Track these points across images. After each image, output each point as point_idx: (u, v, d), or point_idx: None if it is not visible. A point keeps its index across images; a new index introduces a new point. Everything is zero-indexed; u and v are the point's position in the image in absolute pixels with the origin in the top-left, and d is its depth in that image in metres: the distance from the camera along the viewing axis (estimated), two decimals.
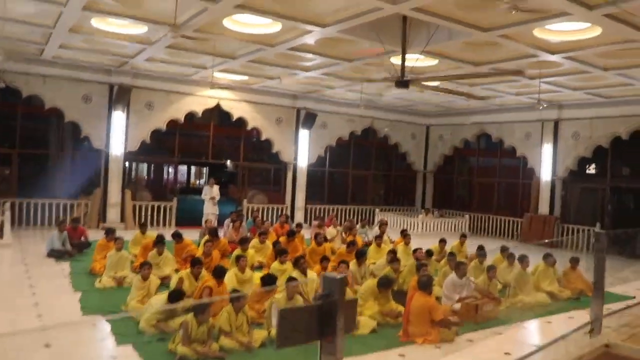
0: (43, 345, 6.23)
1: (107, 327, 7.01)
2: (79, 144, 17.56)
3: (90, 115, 15.84)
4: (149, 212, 17.03)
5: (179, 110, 17.16)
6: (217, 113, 18.56)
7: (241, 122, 18.57)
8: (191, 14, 9.77)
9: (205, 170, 37.47)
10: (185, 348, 5.98)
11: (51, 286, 9.05)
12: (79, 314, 7.59)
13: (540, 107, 15.32)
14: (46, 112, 15.77)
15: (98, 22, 11.12)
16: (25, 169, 17.19)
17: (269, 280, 7.59)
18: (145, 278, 7.82)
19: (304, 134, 19.48)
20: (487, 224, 20.36)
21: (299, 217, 19.44)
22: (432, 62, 12.74)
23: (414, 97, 18.17)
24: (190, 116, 17.62)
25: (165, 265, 9.84)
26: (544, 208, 18.31)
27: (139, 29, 11.39)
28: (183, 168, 38.06)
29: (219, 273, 7.55)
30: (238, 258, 8.77)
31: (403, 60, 10.55)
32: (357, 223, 16.80)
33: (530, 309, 9.23)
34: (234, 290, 6.79)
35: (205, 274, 8.24)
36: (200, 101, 17.47)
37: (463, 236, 13.39)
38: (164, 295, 7.11)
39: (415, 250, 10.80)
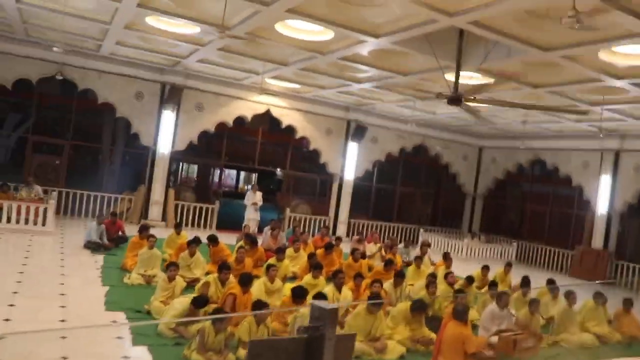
0: (59, 336, 6.13)
1: (126, 325, 6.88)
2: (128, 140, 17.81)
3: (141, 112, 16.03)
4: (191, 213, 17.04)
5: (229, 113, 17.15)
6: (267, 119, 18.48)
7: (290, 130, 18.42)
8: (243, 16, 9.67)
9: (254, 176, 37.74)
10: (199, 356, 5.74)
11: (81, 278, 9.02)
12: (102, 308, 7.48)
13: (602, 136, 14.55)
14: (99, 107, 16.03)
15: (152, 20, 11.18)
16: (76, 161, 17.55)
17: (299, 293, 7.28)
18: (171, 279, 7.64)
19: (353, 146, 19.18)
20: (535, 254, 19.45)
21: (341, 230, 19.12)
22: (488, 80, 12.24)
23: (468, 116, 17.57)
24: (239, 120, 17.57)
25: (196, 267, 9.68)
26: (597, 242, 17.33)
27: (192, 29, 11.38)
28: (232, 172, 38.45)
29: (245, 281, 7.27)
30: (269, 267, 8.50)
31: (457, 76, 10.13)
32: (400, 242, 16.36)
33: (574, 350, 8.61)
34: (258, 301, 6.49)
35: (233, 280, 8.01)
36: (250, 106, 17.42)
37: (508, 265, 12.70)
38: (187, 299, 6.90)
39: (446, 275, 10.19)
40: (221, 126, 17.31)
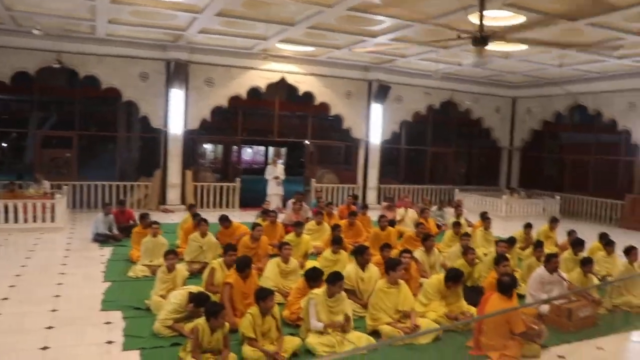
0: (40, 347, 5.38)
1: (121, 325, 6.09)
2: (138, 124, 17.07)
3: (147, 94, 15.18)
4: (212, 194, 16.28)
5: (241, 85, 16.16)
6: (284, 88, 17.45)
7: (309, 97, 17.35)
8: None
9: (283, 150, 36.88)
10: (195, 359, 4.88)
11: (82, 275, 8.26)
12: (98, 307, 6.69)
13: None
14: (104, 93, 15.22)
15: None
16: (88, 152, 16.94)
17: (313, 276, 6.32)
18: (170, 269, 6.79)
19: (376, 108, 18.02)
20: (581, 207, 18.08)
21: (371, 197, 18.14)
22: (518, 19, 10.89)
23: (498, 65, 16.24)
24: (254, 92, 16.58)
25: (209, 250, 8.80)
26: None
27: None
28: (261, 149, 37.63)
29: (242, 265, 6.30)
30: (282, 245, 7.55)
31: (481, 13, 8.89)
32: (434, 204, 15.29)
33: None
34: (261, 289, 5.55)
35: None
36: (263, 75, 16.38)
37: (554, 220, 11.54)
38: (184, 291, 6.02)
39: (498, 242, 8.92)
40: (235, 100, 16.35)
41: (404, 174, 19.97)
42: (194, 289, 6.12)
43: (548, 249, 11.01)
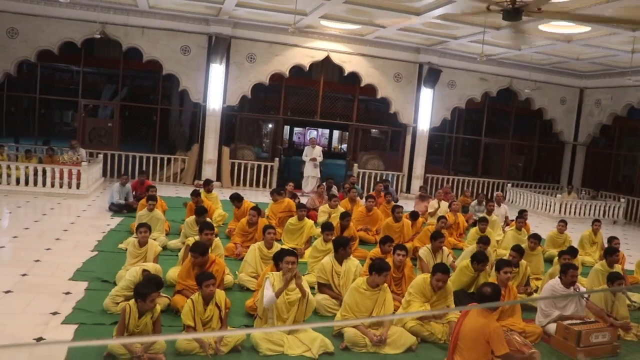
0: None
1: (80, 297, 5.84)
2: (179, 98, 17.01)
3: (188, 68, 15.04)
4: (249, 172, 16.02)
5: (283, 62, 15.71)
6: (329, 68, 16.84)
7: (354, 78, 16.68)
8: None
9: (347, 134, 36.16)
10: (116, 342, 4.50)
11: (75, 242, 8.12)
12: (67, 277, 6.46)
13: None
14: (146, 65, 15.19)
15: None
16: (129, 122, 17.03)
17: (277, 258, 5.79)
18: (142, 243, 6.47)
19: (426, 93, 17.10)
20: None
21: (416, 186, 17.28)
22: None
23: (562, 50, 14.93)
24: (296, 70, 16.06)
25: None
26: None
27: None
28: (325, 131, 37.00)
29: (200, 249, 5.72)
30: (266, 229, 7.00)
31: None
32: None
33: None
34: (202, 273, 5.01)
35: (219, 244, 6.79)
36: (306, 53, 15.85)
37: (596, 221, 10.35)
38: (140, 268, 5.66)
39: (513, 246, 7.33)
40: (277, 78, 15.94)
41: (454, 164, 18.95)
42: (151, 266, 5.77)
43: (590, 256, 9.96)
